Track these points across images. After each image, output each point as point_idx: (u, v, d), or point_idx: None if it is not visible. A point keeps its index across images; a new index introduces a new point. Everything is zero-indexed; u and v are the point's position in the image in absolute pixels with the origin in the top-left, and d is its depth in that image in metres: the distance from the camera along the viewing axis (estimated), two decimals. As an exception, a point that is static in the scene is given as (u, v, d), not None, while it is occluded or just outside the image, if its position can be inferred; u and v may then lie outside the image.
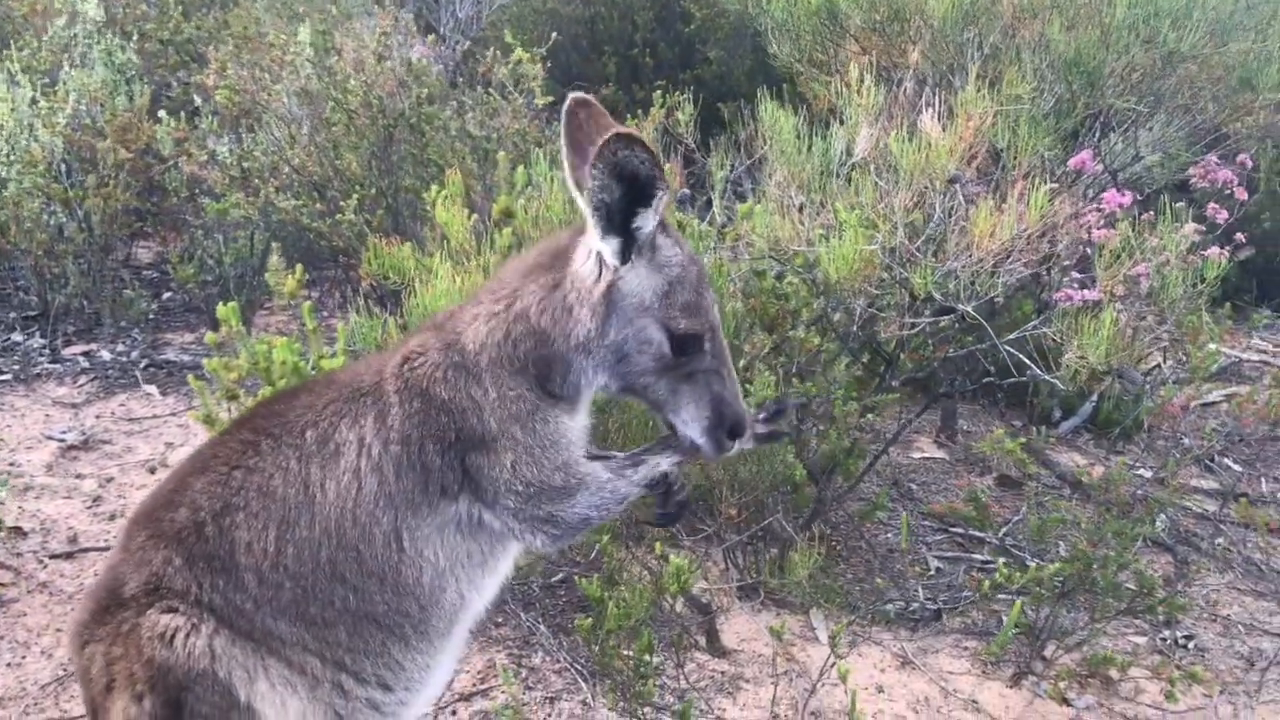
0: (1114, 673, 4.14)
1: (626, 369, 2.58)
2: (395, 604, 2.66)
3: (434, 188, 4.37)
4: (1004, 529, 5.27)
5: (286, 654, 2.60)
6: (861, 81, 4.10)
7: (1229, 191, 5.22)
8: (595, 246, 2.54)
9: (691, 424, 2.60)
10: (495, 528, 2.63)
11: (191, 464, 2.74)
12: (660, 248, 2.57)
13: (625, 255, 2.53)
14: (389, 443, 2.60)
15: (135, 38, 8.21)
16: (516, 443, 2.57)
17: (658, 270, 2.57)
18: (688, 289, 2.58)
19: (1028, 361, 4.12)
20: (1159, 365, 6.66)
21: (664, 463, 2.70)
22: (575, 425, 2.70)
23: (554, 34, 6.72)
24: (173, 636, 2.48)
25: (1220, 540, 5.44)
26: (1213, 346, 4.35)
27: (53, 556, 4.66)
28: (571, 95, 2.73)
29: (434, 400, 2.60)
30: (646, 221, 2.50)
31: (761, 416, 2.88)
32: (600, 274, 2.55)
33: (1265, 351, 8.37)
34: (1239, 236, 5.01)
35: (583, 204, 2.59)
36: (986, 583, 3.84)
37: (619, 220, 2.49)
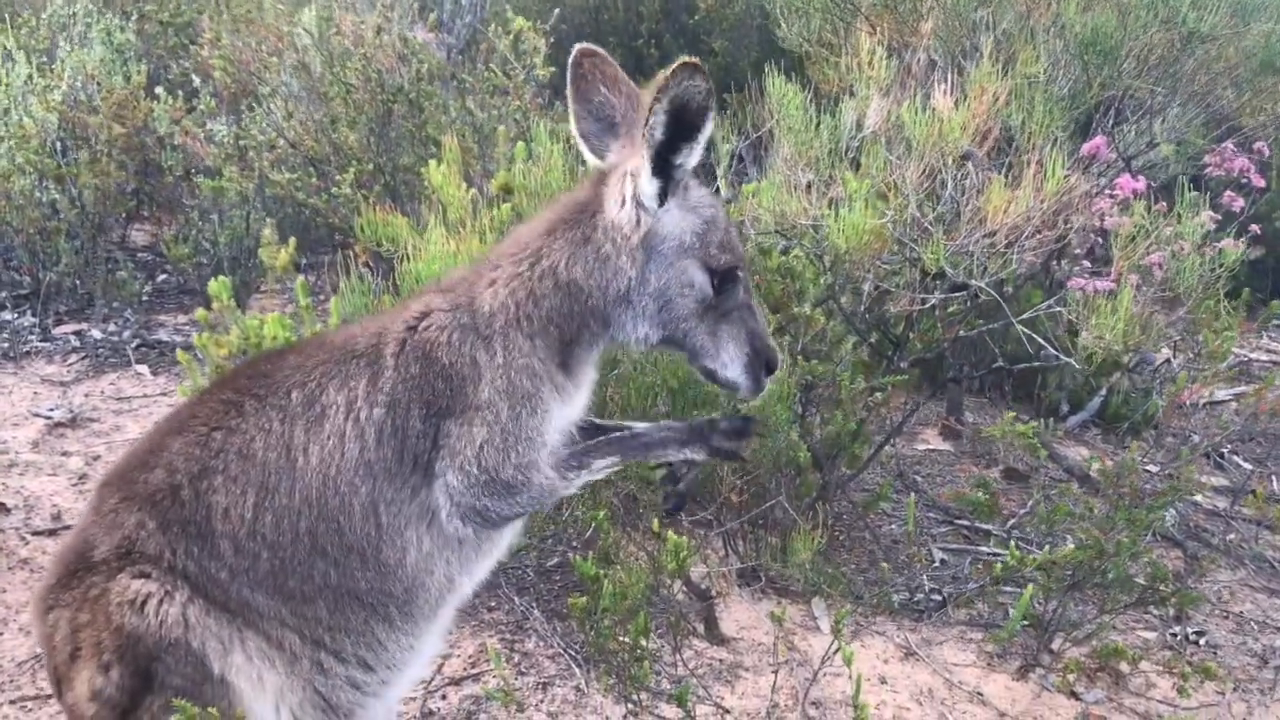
0: (1124, 666, 4.02)
1: (669, 316, 2.52)
2: (379, 584, 2.54)
3: (432, 164, 4.27)
4: (1010, 522, 5.16)
5: (264, 628, 2.48)
6: (873, 54, 3.98)
7: (1245, 180, 5.11)
8: (638, 191, 2.46)
9: (732, 365, 2.56)
10: (434, 501, 2.51)
11: (169, 424, 2.61)
12: (690, 189, 2.53)
13: (663, 198, 2.47)
14: (375, 405, 2.49)
15: (135, 18, 8.12)
16: (497, 422, 2.45)
17: (691, 210, 2.52)
18: (720, 226, 2.55)
19: (1042, 342, 4.00)
20: (1169, 360, 6.55)
21: (610, 464, 2.60)
22: (566, 413, 2.60)
23: (555, 10, 6.59)
24: (144, 603, 2.36)
25: (1232, 536, 5.32)
26: (1230, 334, 4.21)
27: (35, 533, 4.55)
28: (579, 46, 2.66)
29: (435, 364, 2.49)
30: (692, 157, 2.45)
31: (724, 426, 2.73)
32: (639, 219, 2.48)
33: (1275, 352, 8.26)
34: (1254, 228, 4.90)
35: (586, 149, 2.54)
36: (998, 566, 3.72)
37: (658, 159, 2.43)
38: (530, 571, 4.44)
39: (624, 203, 2.48)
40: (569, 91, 2.62)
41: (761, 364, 2.58)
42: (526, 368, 2.49)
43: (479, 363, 2.48)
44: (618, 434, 2.64)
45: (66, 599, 2.42)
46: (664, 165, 2.43)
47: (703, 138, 2.41)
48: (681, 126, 2.38)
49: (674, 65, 2.30)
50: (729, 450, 2.67)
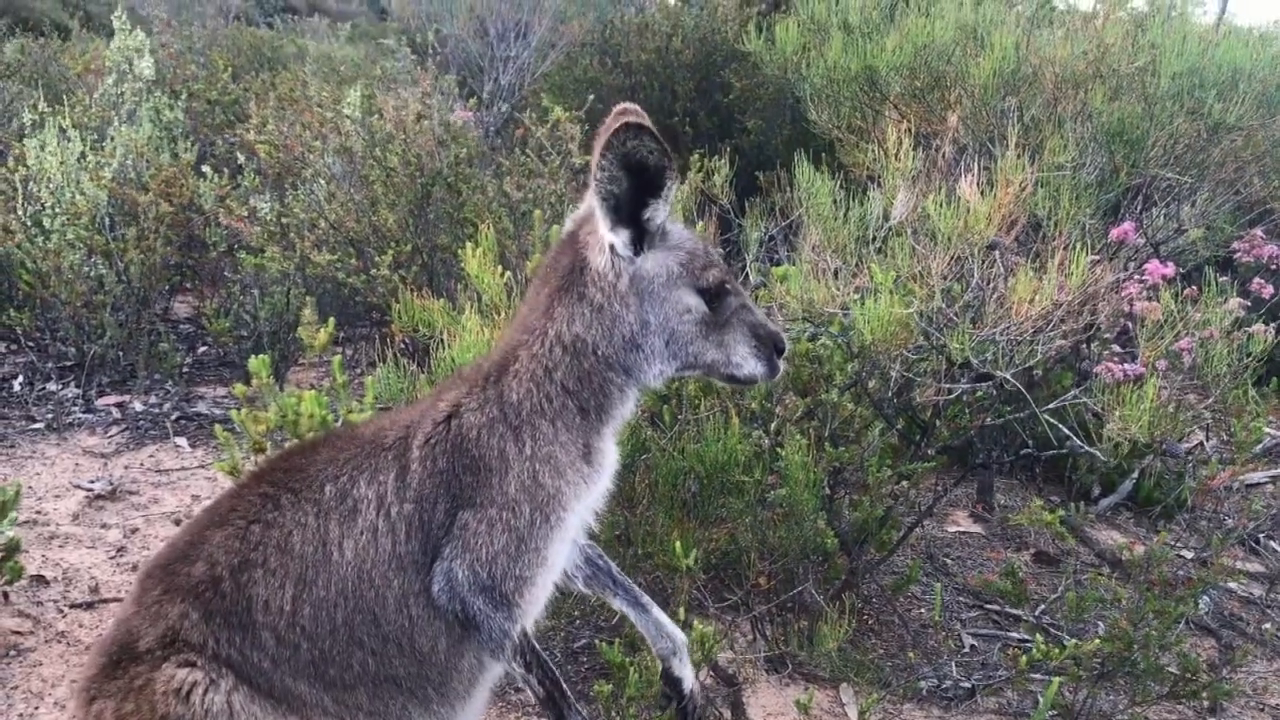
0: (1156, 760, 3.97)
1: (677, 346, 2.61)
2: (416, 670, 2.59)
3: (469, 245, 4.37)
4: (1041, 607, 5.12)
5: (308, 714, 2.52)
6: (900, 145, 4.06)
7: (1274, 266, 5.13)
8: (607, 240, 2.54)
9: (746, 362, 2.68)
10: (431, 577, 2.56)
11: (209, 517, 2.67)
12: (670, 233, 2.62)
13: (638, 247, 2.56)
14: (404, 501, 2.55)
15: (184, 97, 8.37)
16: (516, 527, 2.51)
17: (671, 249, 2.61)
18: (701, 251, 2.65)
19: (1068, 432, 4.02)
20: (1201, 444, 6.51)
21: (534, 687, 2.65)
22: (584, 507, 2.66)
23: (590, 96, 6.74)
24: (189, 691, 2.39)
25: (1268, 625, 5.24)
26: (1259, 423, 4.21)
27: (73, 606, 4.62)
28: (618, 107, 2.76)
29: (464, 456, 2.56)
30: (658, 212, 2.54)
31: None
32: (620, 268, 2.56)
33: (1312, 434, 8.15)
34: (1285, 313, 4.91)
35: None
36: (1024, 658, 3.71)
37: (628, 212, 2.50)
38: (558, 653, 4.45)
39: (604, 252, 2.57)
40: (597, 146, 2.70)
41: (770, 349, 2.70)
42: (550, 458, 2.55)
43: (507, 455, 2.54)
44: (555, 680, 2.68)
45: (110, 689, 2.44)
46: (634, 218, 2.52)
47: (667, 195, 2.50)
48: (645, 184, 2.46)
49: (617, 123, 2.39)
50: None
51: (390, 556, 2.52)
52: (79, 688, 2.54)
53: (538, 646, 2.65)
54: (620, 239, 2.53)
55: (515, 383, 2.61)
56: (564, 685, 2.66)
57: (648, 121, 2.45)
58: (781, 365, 2.75)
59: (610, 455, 2.71)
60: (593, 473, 2.62)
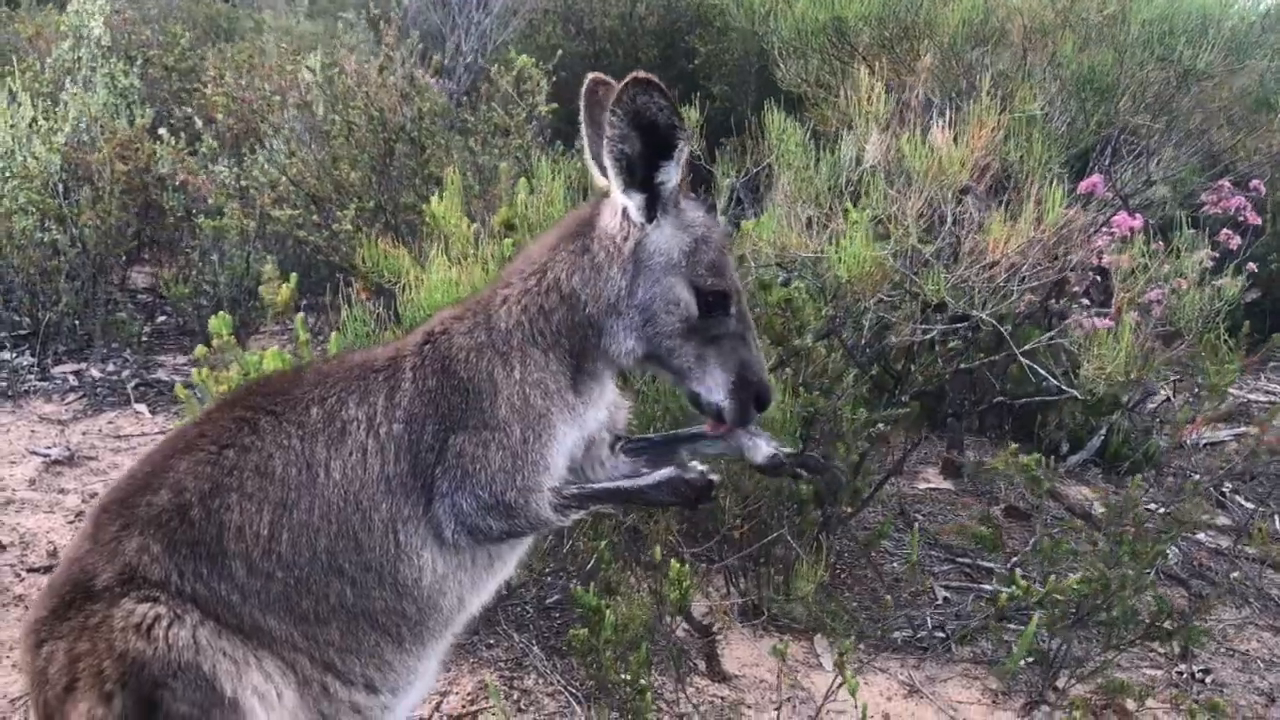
0: (1130, 703, 3.97)
1: (653, 330, 2.49)
2: (394, 603, 2.52)
3: (433, 198, 4.29)
4: (1013, 560, 5.12)
5: (277, 650, 2.43)
6: (872, 90, 4.02)
7: (1241, 218, 5.15)
8: (620, 202, 2.47)
9: (716, 390, 2.49)
10: (437, 517, 2.48)
11: (172, 446, 2.56)
12: (684, 208, 2.52)
13: (650, 213, 2.47)
14: (394, 421, 2.48)
15: (139, 63, 8.19)
16: (509, 445, 2.44)
17: (684, 229, 2.50)
18: (713, 248, 2.52)
19: (1044, 374, 4.00)
20: (1169, 399, 6.55)
21: (603, 505, 2.63)
22: (574, 434, 2.59)
23: (559, 50, 6.66)
24: (150, 626, 2.27)
25: (1235, 575, 5.27)
26: (1231, 367, 4.21)
27: (31, 570, 4.52)
28: (591, 75, 2.68)
29: (453, 378, 2.50)
30: (670, 175, 2.44)
31: (691, 479, 2.54)
32: (628, 231, 2.48)
33: (1273, 393, 8.24)
34: (1250, 267, 4.92)
35: (597, 172, 2.56)
36: (1003, 596, 3.69)
37: (641, 175, 2.43)
38: (530, 608, 4.40)
39: (615, 214, 2.50)
40: (583, 117, 2.62)
41: (751, 395, 2.49)
42: (540, 383, 2.50)
43: (496, 379, 2.48)
44: (616, 481, 2.64)
45: (63, 629, 2.33)
46: (647, 182, 2.44)
47: (679, 155, 2.40)
48: (656, 144, 2.38)
49: (626, 80, 2.30)
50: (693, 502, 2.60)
51: (379, 478, 2.44)
52: (26, 630, 2.41)
53: (568, 490, 2.53)
54: (634, 202, 2.46)
55: (505, 312, 2.55)
56: (609, 485, 2.60)
57: (656, 79, 2.35)
58: (755, 418, 2.55)
59: (601, 390, 2.64)
60: (580, 403, 2.56)
